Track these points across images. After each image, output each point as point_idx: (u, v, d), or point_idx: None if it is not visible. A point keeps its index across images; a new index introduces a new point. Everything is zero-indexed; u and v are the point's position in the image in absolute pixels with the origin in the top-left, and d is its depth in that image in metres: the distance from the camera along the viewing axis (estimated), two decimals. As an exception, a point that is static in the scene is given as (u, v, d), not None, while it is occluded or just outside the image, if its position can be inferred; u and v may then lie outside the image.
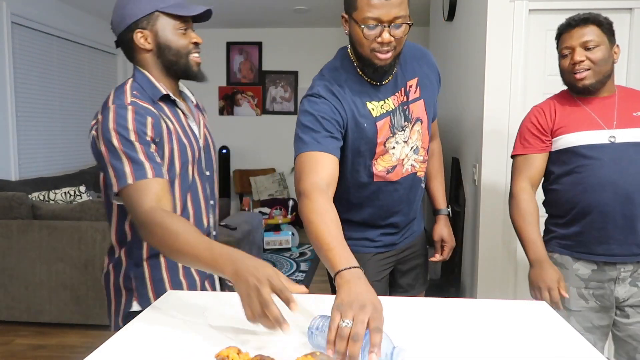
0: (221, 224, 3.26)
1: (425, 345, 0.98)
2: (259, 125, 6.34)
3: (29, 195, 3.38)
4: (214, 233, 1.44)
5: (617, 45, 1.63)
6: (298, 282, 4.17)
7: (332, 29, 6.09)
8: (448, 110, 3.61)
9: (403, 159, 1.49)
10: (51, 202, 3.44)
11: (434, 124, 1.69)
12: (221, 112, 6.35)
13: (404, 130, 1.46)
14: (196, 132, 1.38)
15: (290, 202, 5.51)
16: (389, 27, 1.28)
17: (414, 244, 1.74)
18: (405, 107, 1.46)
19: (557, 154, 1.68)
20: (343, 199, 1.52)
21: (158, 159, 1.20)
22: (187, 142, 1.30)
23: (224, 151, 6.18)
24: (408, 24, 1.30)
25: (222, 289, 1.47)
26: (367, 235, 1.61)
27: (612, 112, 1.63)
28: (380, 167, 1.47)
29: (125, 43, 1.30)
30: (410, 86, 1.48)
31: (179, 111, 1.34)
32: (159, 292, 1.30)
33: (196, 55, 1.35)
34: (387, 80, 1.45)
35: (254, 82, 6.29)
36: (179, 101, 1.35)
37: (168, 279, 1.32)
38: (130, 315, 1.28)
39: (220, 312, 1.13)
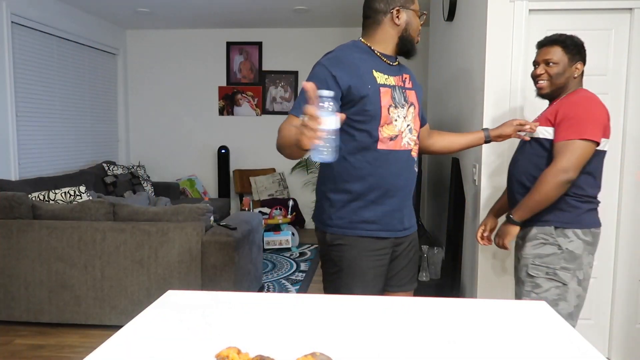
0: (221, 223, 3.26)
1: (426, 345, 0.98)
2: (259, 125, 6.34)
3: (29, 195, 3.38)
4: None
5: (580, 63, 1.97)
6: (298, 282, 4.17)
7: (332, 29, 6.09)
8: (448, 110, 3.61)
9: (402, 132, 1.74)
10: (51, 202, 3.44)
11: (426, 129, 2.04)
12: (221, 112, 6.35)
13: (403, 108, 1.75)
14: None
15: (290, 202, 5.51)
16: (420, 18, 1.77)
17: (410, 239, 1.87)
18: (403, 91, 1.77)
19: None
20: (347, 162, 1.70)
21: None
22: None
23: (223, 151, 6.18)
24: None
25: None
26: (366, 217, 1.71)
27: (542, 113, 2.07)
28: (385, 133, 1.69)
29: None
30: (405, 78, 1.82)
31: None
32: None
33: None
34: (396, 63, 1.79)
35: (254, 82, 6.29)
36: None
37: None
38: None
39: (220, 312, 1.13)
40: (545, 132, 1.96)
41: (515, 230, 1.97)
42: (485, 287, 2.64)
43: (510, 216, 1.97)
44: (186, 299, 1.22)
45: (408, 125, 1.76)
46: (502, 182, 2.58)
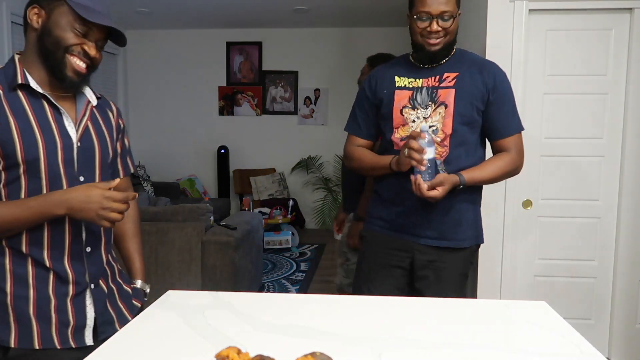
0: (221, 224, 3.26)
1: (426, 345, 0.98)
2: (259, 125, 6.34)
3: (29, 195, 3.37)
4: (87, 250, 1.24)
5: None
6: (298, 282, 4.17)
7: (332, 29, 6.09)
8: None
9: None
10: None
11: (509, 143, 1.71)
12: (221, 112, 6.35)
13: (427, 108, 1.68)
14: (69, 130, 1.21)
15: (290, 202, 5.51)
16: (437, 19, 1.60)
17: (442, 254, 1.69)
18: (434, 91, 1.69)
19: None
20: None
21: None
22: (40, 138, 1.15)
23: (222, 151, 6.18)
24: (454, 17, 1.62)
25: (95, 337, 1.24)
26: (382, 215, 1.78)
27: None
28: (398, 134, 1.71)
29: (24, 15, 1.20)
30: (447, 77, 1.70)
31: (45, 104, 1.19)
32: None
33: (77, 60, 1.18)
34: (431, 65, 1.71)
35: (254, 82, 6.29)
36: (45, 93, 1.19)
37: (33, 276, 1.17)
38: None
39: (220, 312, 1.13)
40: None
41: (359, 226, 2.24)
42: (485, 287, 2.64)
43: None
44: (186, 299, 1.22)
45: (431, 126, 1.66)
46: (502, 181, 2.58)
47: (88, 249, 1.24)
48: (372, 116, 1.79)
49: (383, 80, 1.75)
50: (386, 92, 1.72)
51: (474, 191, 1.75)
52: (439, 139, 1.66)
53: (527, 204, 2.63)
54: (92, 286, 1.24)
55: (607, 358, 2.63)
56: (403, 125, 1.70)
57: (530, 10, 2.51)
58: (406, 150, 1.52)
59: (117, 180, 1.18)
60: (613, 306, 2.64)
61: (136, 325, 1.06)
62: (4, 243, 1.15)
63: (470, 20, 2.96)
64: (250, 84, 6.31)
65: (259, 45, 6.24)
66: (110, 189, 1.14)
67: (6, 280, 1.15)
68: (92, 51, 1.20)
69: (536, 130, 2.60)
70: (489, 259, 2.63)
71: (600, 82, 2.56)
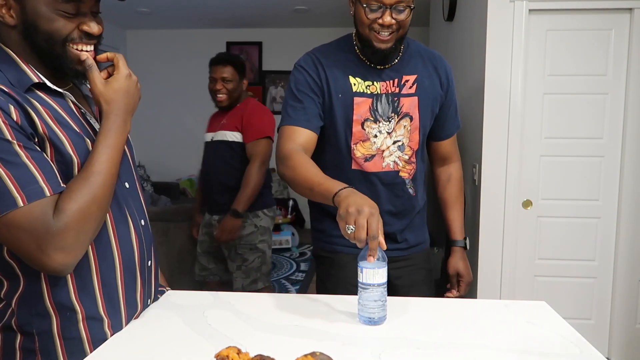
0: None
1: (426, 345, 0.98)
2: (259, 125, 6.34)
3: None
4: (148, 264, 1.11)
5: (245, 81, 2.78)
6: (298, 282, 4.17)
7: (332, 29, 6.08)
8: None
9: (384, 151, 1.48)
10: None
11: (451, 144, 1.63)
12: (221, 112, 6.35)
13: (389, 121, 1.46)
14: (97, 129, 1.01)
15: (290, 202, 5.51)
16: (390, 9, 1.32)
17: (411, 257, 1.62)
18: (395, 99, 1.46)
19: None
20: None
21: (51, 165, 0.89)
22: (88, 140, 0.96)
23: (223, 151, 6.18)
24: (410, 7, 1.34)
25: None
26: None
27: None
28: (359, 152, 1.47)
29: None
30: (406, 81, 1.47)
31: (70, 103, 0.98)
32: (75, 354, 0.96)
33: (81, 47, 0.95)
34: (384, 66, 1.46)
35: (254, 82, 6.29)
36: (65, 92, 0.98)
37: (87, 336, 0.97)
38: None
39: (220, 312, 1.13)
40: (233, 136, 2.66)
41: (237, 222, 2.53)
42: (485, 287, 2.64)
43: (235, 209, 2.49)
44: (186, 299, 1.22)
45: (396, 141, 1.47)
46: (502, 182, 2.59)
47: (149, 263, 1.11)
48: (320, 103, 1.46)
49: (336, 79, 1.45)
50: (342, 97, 1.44)
51: (424, 198, 1.64)
52: (406, 157, 1.49)
53: (527, 204, 2.63)
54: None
55: (607, 358, 2.63)
56: (363, 140, 1.45)
57: (530, 10, 2.52)
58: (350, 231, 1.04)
59: None
60: (613, 306, 2.65)
61: (136, 325, 1.06)
62: (76, 303, 0.96)
63: (470, 20, 2.96)
64: (250, 84, 6.29)
65: (259, 45, 6.24)
66: None
67: (80, 331, 0.97)
68: (95, 28, 0.95)
69: (536, 130, 2.60)
70: (489, 259, 2.63)
71: (600, 82, 2.56)
